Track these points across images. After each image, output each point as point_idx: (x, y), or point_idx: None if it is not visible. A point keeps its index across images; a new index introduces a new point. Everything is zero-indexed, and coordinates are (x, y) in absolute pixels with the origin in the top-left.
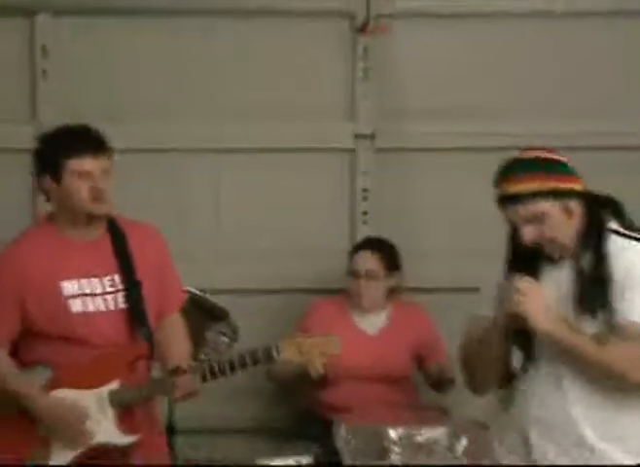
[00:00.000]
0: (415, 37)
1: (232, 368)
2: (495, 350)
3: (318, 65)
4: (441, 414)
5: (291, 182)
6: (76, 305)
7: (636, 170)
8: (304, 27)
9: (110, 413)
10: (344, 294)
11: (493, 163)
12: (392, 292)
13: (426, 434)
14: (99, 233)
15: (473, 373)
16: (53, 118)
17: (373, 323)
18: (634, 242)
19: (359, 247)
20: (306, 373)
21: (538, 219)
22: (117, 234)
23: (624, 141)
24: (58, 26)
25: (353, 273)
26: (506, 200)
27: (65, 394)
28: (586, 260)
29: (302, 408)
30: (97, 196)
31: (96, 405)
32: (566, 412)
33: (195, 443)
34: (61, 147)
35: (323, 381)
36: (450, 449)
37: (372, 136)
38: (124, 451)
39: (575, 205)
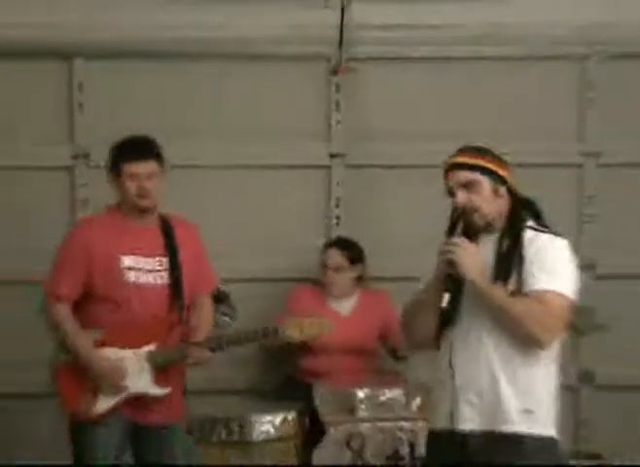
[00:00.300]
0: (377, 76)
1: (248, 339)
2: (434, 297)
3: (301, 99)
4: (399, 379)
5: (280, 192)
6: (130, 276)
7: (565, 183)
8: (291, 69)
9: (147, 369)
10: (320, 283)
11: (441, 177)
12: (359, 280)
13: (387, 394)
14: (152, 223)
15: (415, 326)
16: (87, 141)
17: (344, 306)
18: (542, 234)
19: (328, 245)
20: (292, 346)
21: (471, 186)
22: (166, 227)
23: (556, 159)
24: (92, 68)
25: (324, 266)
26: (452, 167)
27: (111, 352)
28: (505, 244)
29: (288, 373)
30: (142, 193)
31: (136, 362)
32: (485, 360)
33: (202, 401)
34: (120, 154)
35: (305, 352)
36: (406, 406)
37: (343, 155)
38: (156, 400)
39: (503, 191)
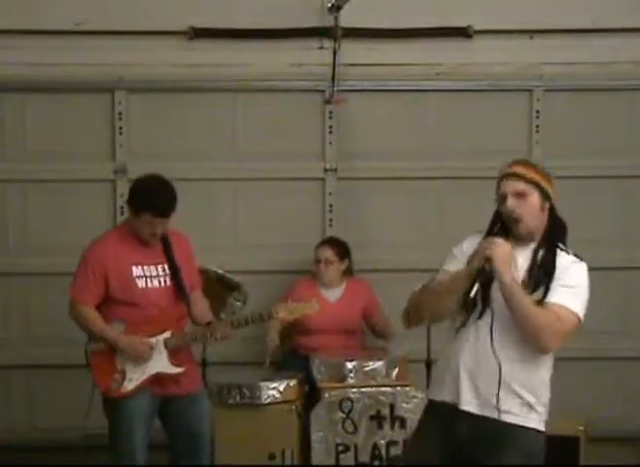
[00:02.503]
0: (362, 105)
1: (247, 322)
2: (463, 283)
3: (301, 124)
4: (380, 353)
5: (284, 200)
6: (140, 283)
7: None
8: (293, 100)
9: (164, 352)
10: (314, 274)
11: (414, 188)
12: (346, 273)
13: (371, 366)
14: None
15: (435, 304)
16: (125, 159)
17: (333, 294)
18: (569, 255)
19: (321, 243)
20: (290, 326)
21: (522, 196)
22: (164, 238)
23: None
24: (130, 99)
25: (317, 261)
26: (508, 176)
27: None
28: (541, 257)
29: (290, 349)
30: (153, 237)
31: (155, 347)
32: (503, 354)
33: (220, 371)
34: (143, 204)
35: (303, 332)
36: (387, 375)
37: (335, 170)
38: (174, 379)
39: (546, 208)
